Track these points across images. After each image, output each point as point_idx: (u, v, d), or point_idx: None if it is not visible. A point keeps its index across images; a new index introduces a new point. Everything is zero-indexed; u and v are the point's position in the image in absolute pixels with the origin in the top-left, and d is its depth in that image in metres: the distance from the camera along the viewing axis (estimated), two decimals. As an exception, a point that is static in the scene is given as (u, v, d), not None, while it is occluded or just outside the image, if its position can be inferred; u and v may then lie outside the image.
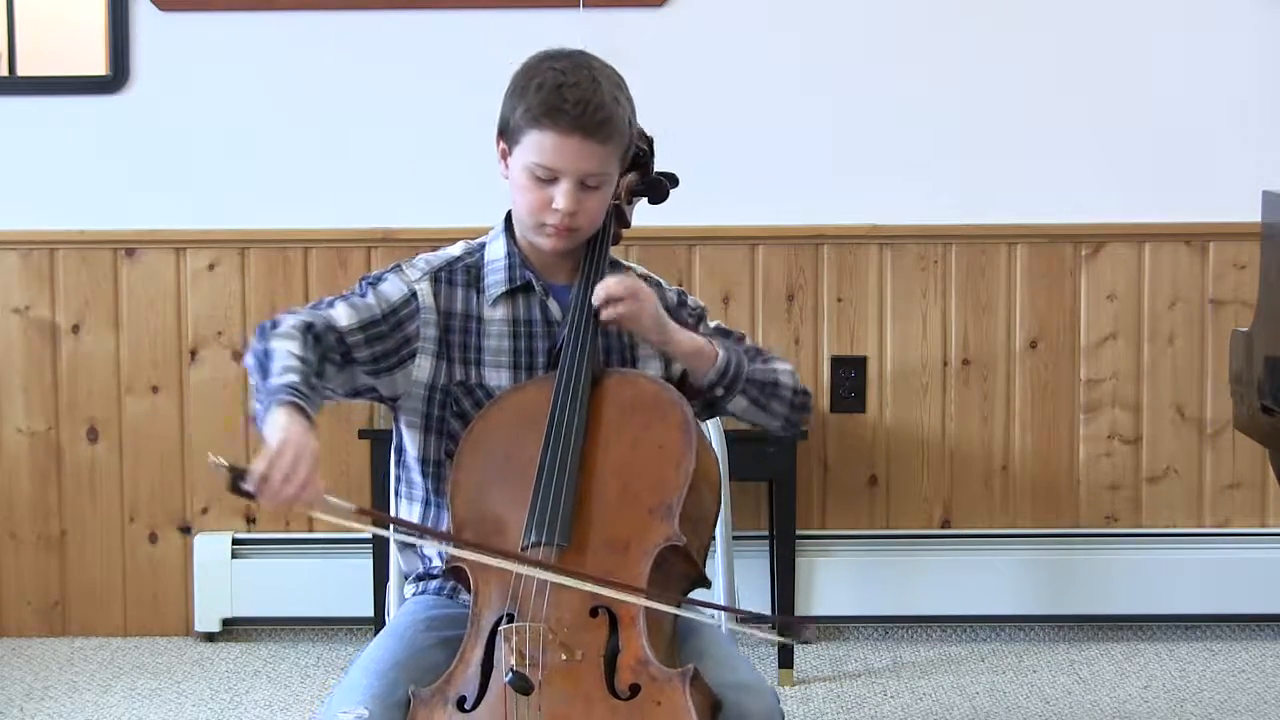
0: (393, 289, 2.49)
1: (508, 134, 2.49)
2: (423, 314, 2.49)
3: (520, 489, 2.35)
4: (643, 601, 2.24)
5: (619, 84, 2.48)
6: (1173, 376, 4.35)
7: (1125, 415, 4.35)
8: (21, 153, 4.31)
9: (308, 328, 2.38)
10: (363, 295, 2.48)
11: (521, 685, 2.17)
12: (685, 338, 2.52)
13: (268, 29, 4.28)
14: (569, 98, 2.41)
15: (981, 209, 4.31)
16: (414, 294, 2.49)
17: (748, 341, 2.63)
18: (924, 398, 4.34)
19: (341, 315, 2.44)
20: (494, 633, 2.26)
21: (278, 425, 2.23)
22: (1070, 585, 4.32)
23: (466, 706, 2.23)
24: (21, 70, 4.29)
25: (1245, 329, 3.66)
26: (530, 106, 2.43)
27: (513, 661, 2.20)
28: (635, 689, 2.19)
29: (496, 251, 2.54)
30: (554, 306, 2.53)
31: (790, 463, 4.02)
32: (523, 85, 2.46)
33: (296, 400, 2.26)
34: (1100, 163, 4.30)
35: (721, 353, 2.52)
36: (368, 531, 2.31)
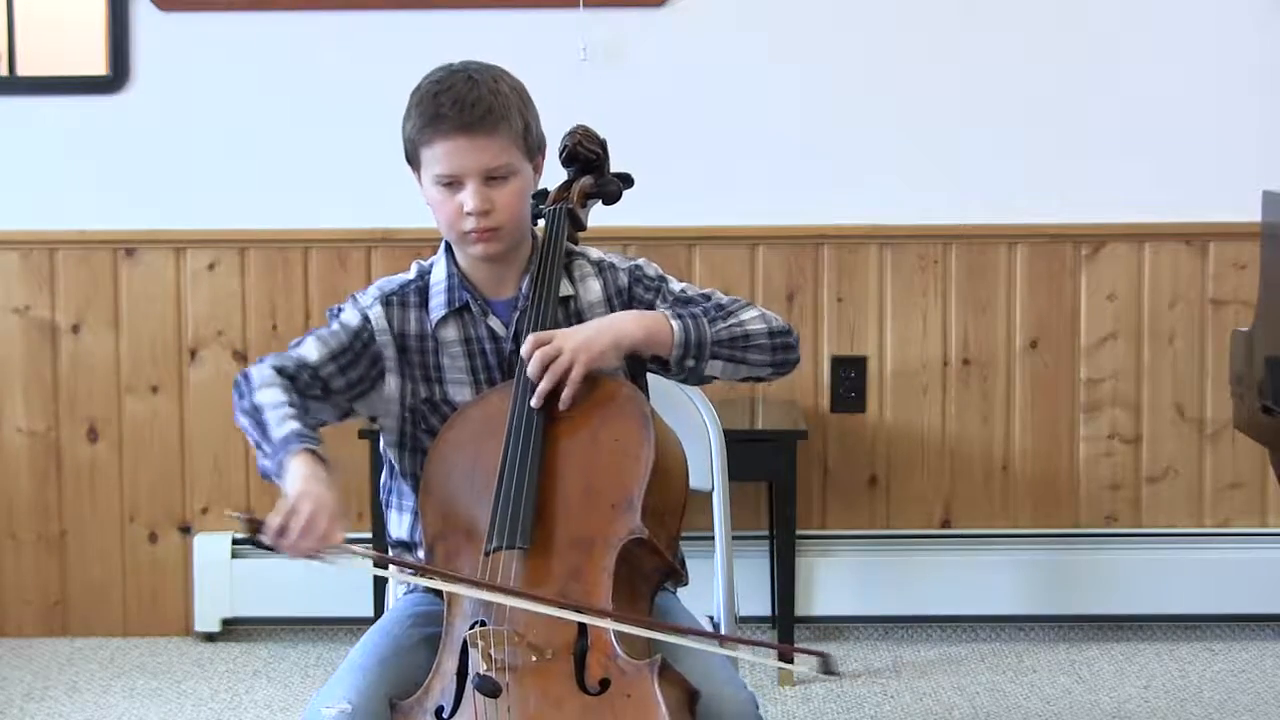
0: (351, 316, 2.53)
1: (410, 159, 2.52)
2: (379, 336, 2.52)
3: (485, 495, 2.36)
4: (641, 631, 2.23)
5: (499, 77, 2.49)
6: (1173, 376, 4.35)
7: (1125, 415, 4.35)
8: (21, 153, 4.32)
9: (280, 371, 2.42)
10: (329, 327, 2.52)
11: (487, 688, 2.18)
12: (635, 330, 2.47)
13: (268, 29, 4.28)
14: (444, 101, 2.44)
15: (981, 209, 4.31)
16: (367, 318, 2.53)
17: (716, 298, 2.59)
18: (924, 398, 4.34)
19: (311, 351, 2.48)
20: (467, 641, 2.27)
21: (296, 477, 2.26)
22: (1070, 585, 4.32)
23: (444, 715, 2.23)
24: (21, 70, 4.30)
25: (1245, 329, 3.66)
26: (414, 122, 2.47)
27: (481, 666, 2.21)
28: (605, 683, 2.20)
29: (439, 273, 2.57)
30: (495, 323, 2.53)
31: (790, 463, 4.02)
32: (408, 108, 2.50)
33: (308, 446, 2.29)
34: (1100, 163, 4.30)
35: (676, 326, 2.47)
36: (387, 575, 2.33)
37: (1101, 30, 4.28)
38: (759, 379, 2.60)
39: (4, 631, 4.39)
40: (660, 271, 2.64)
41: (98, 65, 4.29)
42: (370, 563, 2.33)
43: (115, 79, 4.28)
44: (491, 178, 2.45)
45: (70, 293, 4.33)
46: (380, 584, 3.86)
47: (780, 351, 2.57)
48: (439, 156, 2.45)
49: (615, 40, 4.23)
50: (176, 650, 4.31)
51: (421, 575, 2.39)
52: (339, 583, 4.27)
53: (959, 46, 4.28)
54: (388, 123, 4.22)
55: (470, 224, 2.46)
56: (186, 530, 4.37)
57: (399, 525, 2.61)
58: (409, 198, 4.22)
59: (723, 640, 2.44)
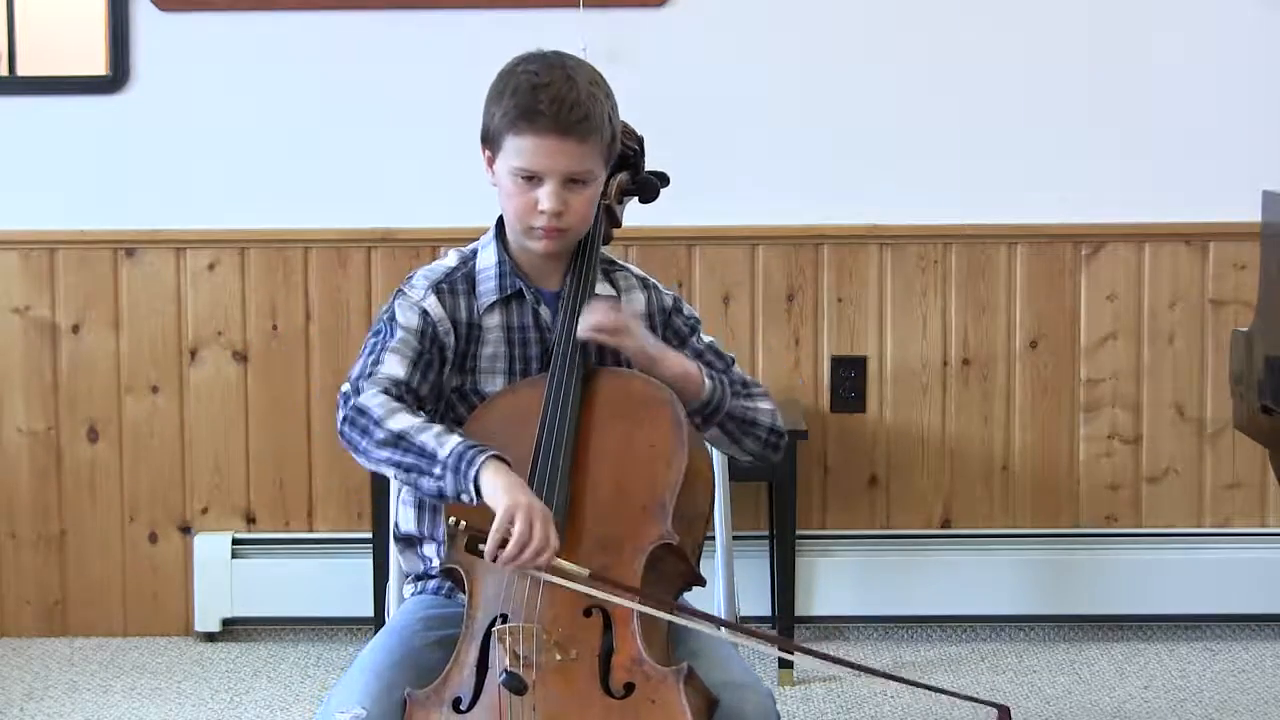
0: (408, 316, 2.49)
1: (489, 141, 2.50)
2: (440, 326, 2.50)
3: None
4: (695, 624, 2.23)
5: (596, 81, 2.48)
6: (1173, 376, 4.35)
7: (1125, 415, 4.35)
8: (21, 153, 4.31)
9: (388, 394, 2.39)
10: (393, 335, 2.47)
11: (515, 685, 2.17)
12: (674, 363, 2.50)
13: (268, 29, 4.28)
14: (544, 98, 2.41)
15: (981, 209, 4.31)
16: (425, 311, 2.50)
17: (736, 369, 2.62)
18: (924, 398, 4.34)
19: (396, 367, 2.43)
20: (488, 633, 2.26)
21: (499, 489, 2.24)
22: (1070, 585, 4.32)
23: (462, 708, 2.23)
24: (21, 70, 4.30)
25: (1245, 329, 3.66)
26: (507, 111, 2.44)
27: (507, 662, 2.20)
28: (630, 688, 2.19)
29: (488, 259, 2.55)
30: (545, 313, 2.53)
31: (790, 463, 4.02)
32: (499, 90, 2.47)
33: (493, 454, 2.28)
34: (1100, 163, 4.30)
35: (708, 384, 2.51)
36: (598, 594, 2.28)
37: (1102, 30, 4.28)
38: (732, 457, 2.61)
39: (4, 631, 4.39)
40: (697, 314, 2.66)
41: (98, 65, 4.29)
42: (585, 581, 2.27)
43: (115, 79, 4.28)
44: (571, 180, 2.45)
45: (70, 293, 4.33)
46: (381, 585, 3.86)
47: (768, 448, 2.60)
48: (524, 150, 2.43)
49: (615, 40, 4.22)
50: (176, 650, 4.31)
51: (647, 605, 2.27)
52: (339, 583, 4.27)
53: (959, 47, 4.28)
54: (388, 122, 4.28)
55: (541, 221, 2.46)
56: (186, 530, 4.36)
57: (405, 519, 2.60)
58: (409, 198, 4.27)
59: (881, 674, 2.38)
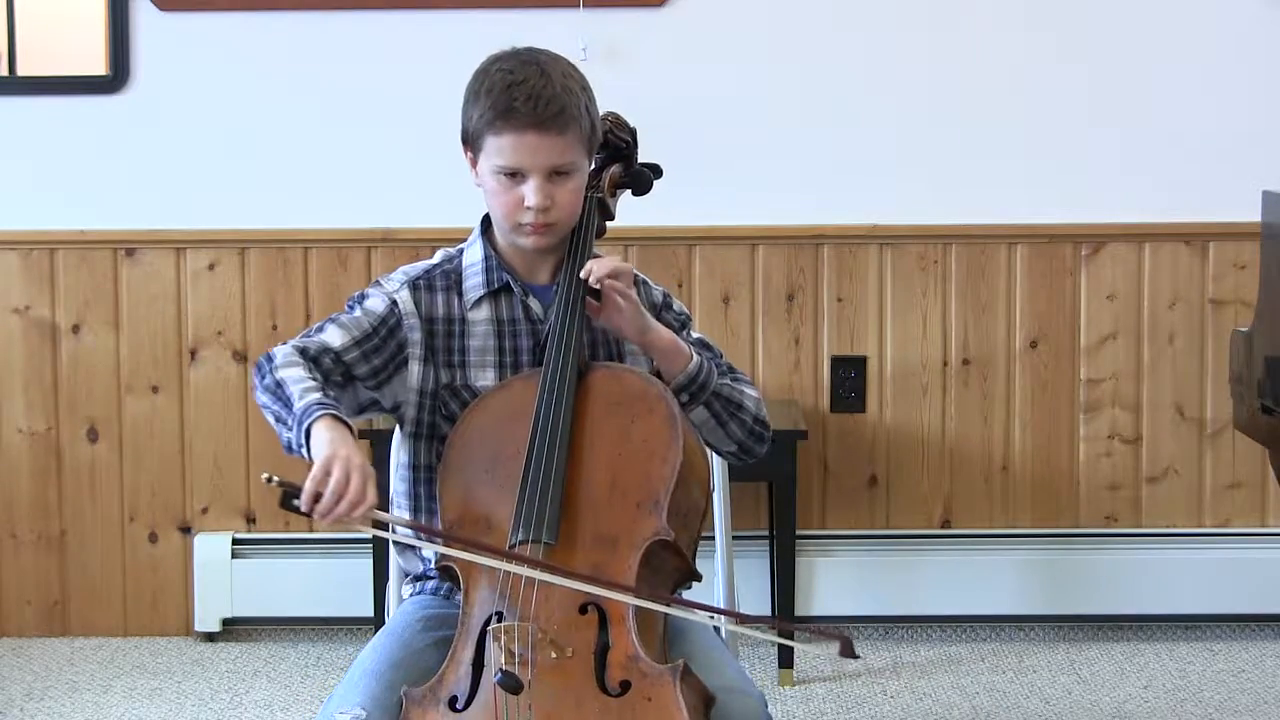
0: (376, 302, 2.51)
1: (470, 142, 2.51)
2: (406, 320, 2.51)
3: (508, 486, 2.34)
4: (672, 611, 2.23)
5: (569, 72, 2.49)
6: (1173, 376, 4.35)
7: (1125, 415, 4.35)
8: (21, 153, 4.32)
9: (303, 352, 2.41)
10: (350, 312, 2.50)
11: (510, 684, 2.17)
12: (664, 334, 2.51)
13: (268, 29, 4.28)
14: (519, 95, 2.42)
15: (981, 209, 4.31)
16: (395, 303, 2.51)
17: (726, 359, 2.63)
18: (924, 398, 4.34)
19: (334, 336, 2.46)
20: (484, 632, 2.26)
21: (322, 442, 2.25)
22: (1070, 585, 4.32)
23: (458, 706, 2.22)
24: (21, 70, 4.30)
25: (1245, 329, 3.66)
26: (484, 111, 2.45)
27: (502, 661, 2.20)
28: (625, 685, 2.19)
29: (474, 255, 2.56)
30: (535, 305, 2.53)
31: (790, 463, 4.02)
32: (474, 91, 2.48)
33: (331, 411, 2.28)
34: (1100, 163, 4.30)
35: (696, 358, 2.51)
36: (422, 546, 2.30)
37: (1102, 30, 4.28)
38: (718, 450, 2.61)
39: (4, 631, 4.39)
40: (686, 311, 2.67)
41: (98, 65, 4.29)
42: (402, 530, 2.30)
43: (115, 79, 4.28)
44: (555, 173, 2.46)
45: (70, 293, 4.33)
46: (381, 585, 3.86)
47: (753, 438, 2.59)
48: (505, 149, 2.44)
49: (615, 40, 4.23)
50: (176, 650, 4.31)
51: (450, 545, 2.33)
52: (339, 583, 4.27)
53: (958, 47, 4.28)
54: (388, 122, 4.28)
55: (529, 217, 2.46)
56: (186, 530, 4.37)
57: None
58: (409, 198, 4.27)
59: (740, 619, 2.40)
